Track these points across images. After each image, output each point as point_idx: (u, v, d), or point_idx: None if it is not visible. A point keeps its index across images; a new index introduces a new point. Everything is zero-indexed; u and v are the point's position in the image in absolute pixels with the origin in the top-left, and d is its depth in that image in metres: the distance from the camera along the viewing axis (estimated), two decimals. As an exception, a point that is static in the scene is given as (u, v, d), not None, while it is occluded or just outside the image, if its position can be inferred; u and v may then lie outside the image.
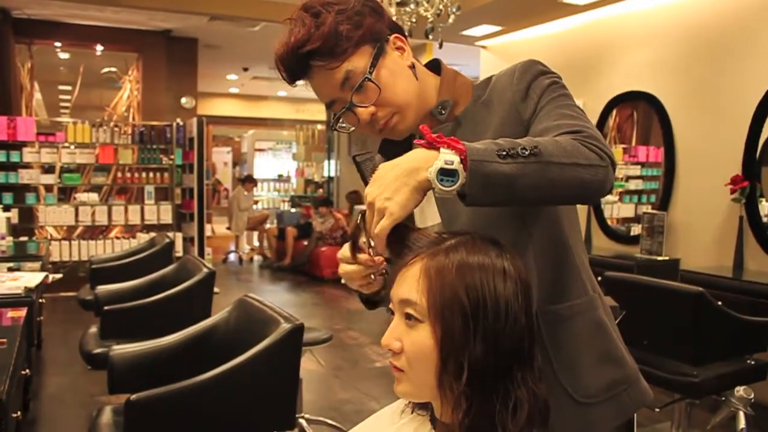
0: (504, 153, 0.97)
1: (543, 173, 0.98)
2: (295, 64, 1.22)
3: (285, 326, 2.26)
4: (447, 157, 0.95)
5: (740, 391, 3.09)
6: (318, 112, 13.27)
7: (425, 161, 0.97)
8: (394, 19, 4.07)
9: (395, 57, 1.24)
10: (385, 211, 0.98)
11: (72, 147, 7.45)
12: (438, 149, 0.97)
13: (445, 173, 0.95)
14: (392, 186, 0.98)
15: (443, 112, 1.24)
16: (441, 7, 4.02)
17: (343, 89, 1.20)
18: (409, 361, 0.97)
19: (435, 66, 1.34)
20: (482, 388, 0.93)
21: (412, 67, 1.26)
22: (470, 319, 0.93)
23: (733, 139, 4.39)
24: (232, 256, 10.96)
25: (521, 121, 1.18)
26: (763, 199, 4.33)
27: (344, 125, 1.27)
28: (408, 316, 0.97)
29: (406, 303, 0.97)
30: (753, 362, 3.20)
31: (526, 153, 0.97)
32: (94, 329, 3.52)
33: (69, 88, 9.44)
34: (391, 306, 1.02)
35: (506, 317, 0.94)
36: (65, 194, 7.76)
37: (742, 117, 4.34)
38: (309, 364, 3.70)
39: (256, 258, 11.09)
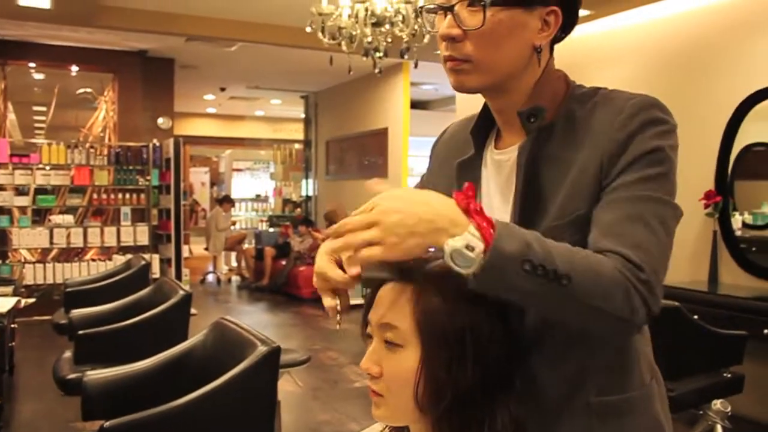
0: (530, 267, 0.85)
1: (556, 303, 0.89)
2: None
3: (261, 349, 2.24)
4: (471, 242, 0.85)
5: (717, 404, 3.12)
6: (295, 131, 13.26)
7: (452, 226, 0.86)
8: (368, 39, 4.12)
9: (532, 25, 1.04)
10: (385, 242, 0.87)
11: (47, 168, 7.38)
12: (470, 216, 0.87)
13: (462, 254, 0.85)
14: (410, 224, 0.87)
15: (533, 120, 1.05)
16: (416, 27, 4.05)
17: None
18: (388, 385, 0.96)
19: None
20: (463, 413, 0.92)
21: (537, 50, 1.05)
22: (453, 344, 0.91)
23: (706, 154, 4.45)
24: (210, 277, 10.88)
25: (600, 179, 0.99)
26: (736, 213, 4.39)
27: (430, 21, 1.10)
28: (388, 341, 0.95)
29: (386, 327, 0.95)
30: (729, 375, 3.23)
31: (553, 276, 0.85)
32: (68, 354, 3.47)
33: (44, 108, 9.38)
34: (369, 330, 1.00)
35: (489, 341, 0.93)
36: (40, 216, 7.66)
37: (713, 133, 4.41)
38: (287, 386, 3.67)
39: (234, 278, 11.02)
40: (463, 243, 0.85)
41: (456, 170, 1.16)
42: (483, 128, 1.16)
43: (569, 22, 1.09)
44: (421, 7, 1.11)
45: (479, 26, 0.99)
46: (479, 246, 0.85)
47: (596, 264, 0.89)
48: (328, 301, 1.00)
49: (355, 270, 0.95)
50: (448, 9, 1.02)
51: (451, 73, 1.06)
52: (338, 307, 1.00)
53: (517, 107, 1.07)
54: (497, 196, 1.11)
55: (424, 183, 1.30)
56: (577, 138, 1.03)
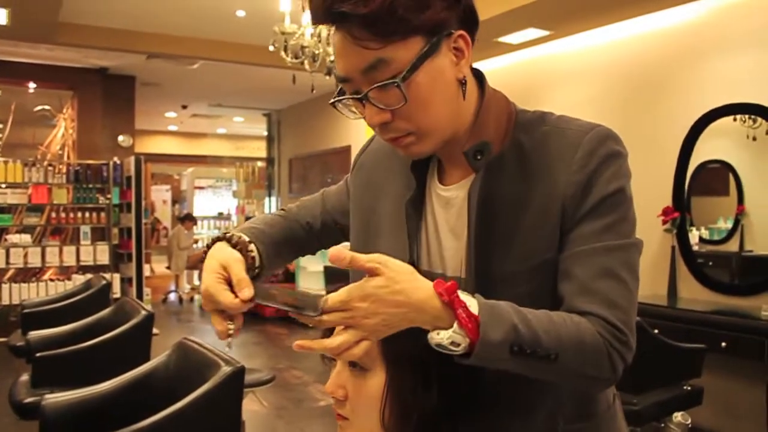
0: (518, 349, 0.85)
1: (542, 375, 0.91)
2: (321, 15, 0.93)
3: (225, 369, 2.22)
4: (456, 339, 0.85)
5: (678, 416, 3.17)
6: (257, 149, 13.20)
7: (434, 321, 0.85)
8: (331, 58, 4.13)
9: (446, 63, 0.95)
10: (371, 337, 0.86)
11: (2, 186, 7.21)
12: (454, 313, 0.85)
13: (447, 349, 0.86)
14: (392, 322, 0.85)
15: (479, 157, 0.99)
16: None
17: (364, 75, 0.93)
18: (354, 409, 0.95)
19: (478, 79, 1.05)
20: None
21: (463, 82, 0.98)
22: (418, 367, 0.91)
23: (663, 171, 4.55)
24: (172, 296, 10.73)
25: (561, 224, 0.97)
26: (693, 228, 4.49)
27: (350, 108, 1.01)
28: (353, 364, 0.94)
29: None
30: (689, 388, 3.29)
31: (543, 355, 0.86)
32: (25, 377, 3.39)
33: (0, 126, 9.18)
34: None
35: (454, 363, 0.91)
36: (-5, 236, 7.50)
37: (670, 151, 4.52)
38: (252, 405, 3.63)
39: (197, 297, 10.86)
40: (448, 340, 0.85)
41: (406, 209, 1.08)
42: (422, 159, 1.07)
43: (473, 36, 1.00)
44: (332, 102, 1.01)
45: (403, 103, 0.92)
46: (464, 342, 0.85)
47: (578, 334, 0.89)
48: (219, 325, 0.96)
49: (247, 293, 0.93)
50: (362, 99, 0.95)
51: (400, 148, 1.01)
52: (230, 331, 0.95)
53: (460, 144, 1.01)
54: (446, 234, 1.06)
55: (349, 187, 1.24)
56: (528, 172, 0.98)
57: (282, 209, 1.31)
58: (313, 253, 1.33)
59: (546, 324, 0.88)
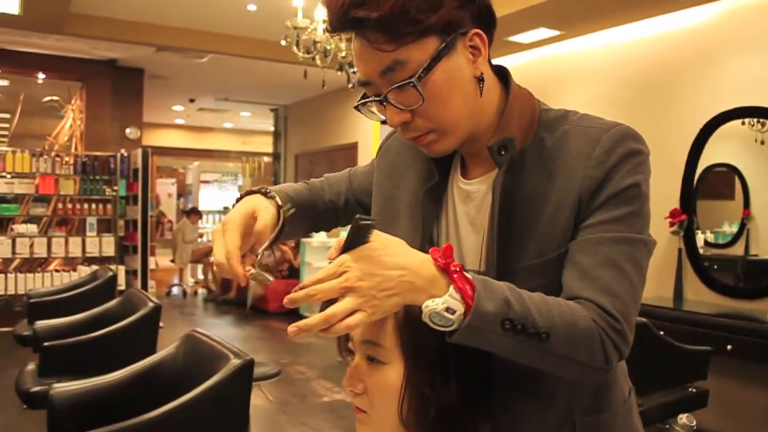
0: (510, 326, 0.85)
1: (534, 357, 0.90)
2: (338, 23, 0.96)
3: (235, 362, 2.23)
4: (451, 305, 0.84)
5: (683, 418, 3.17)
6: (264, 144, 13.20)
7: (430, 286, 0.85)
8: (343, 54, 4.14)
9: (463, 61, 0.98)
10: (365, 309, 0.83)
11: (9, 177, 7.24)
12: (449, 276, 0.86)
13: (442, 316, 0.85)
14: (389, 287, 0.84)
15: (503, 152, 1.01)
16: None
17: (383, 77, 0.96)
18: (372, 402, 0.95)
19: (501, 76, 1.08)
20: (449, 426, 0.92)
21: (480, 79, 1.00)
22: (436, 360, 0.91)
23: (672, 174, 4.54)
24: (176, 289, 10.75)
25: (574, 216, 0.98)
26: (699, 231, 4.49)
27: (372, 110, 1.04)
28: (371, 358, 0.94)
29: (368, 344, 0.94)
30: (694, 390, 3.29)
31: (532, 333, 0.86)
32: (32, 366, 3.40)
33: (8, 116, 9.21)
34: (350, 345, 0.98)
35: (471, 356, 0.92)
36: (2, 225, 7.51)
37: (679, 153, 4.51)
38: (256, 400, 3.64)
39: (201, 291, 10.90)
40: (443, 306, 0.84)
41: (422, 198, 1.11)
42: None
43: (491, 34, 1.03)
44: (356, 107, 1.05)
45: (421, 102, 0.95)
46: (460, 309, 0.84)
47: (572, 317, 0.89)
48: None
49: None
50: (383, 101, 0.98)
51: (422, 146, 1.03)
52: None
53: (483, 140, 1.04)
54: (466, 226, 1.08)
55: (375, 169, 1.25)
56: (549, 169, 1.00)
57: (305, 182, 1.32)
58: (328, 230, 1.35)
59: (539, 304, 0.88)
